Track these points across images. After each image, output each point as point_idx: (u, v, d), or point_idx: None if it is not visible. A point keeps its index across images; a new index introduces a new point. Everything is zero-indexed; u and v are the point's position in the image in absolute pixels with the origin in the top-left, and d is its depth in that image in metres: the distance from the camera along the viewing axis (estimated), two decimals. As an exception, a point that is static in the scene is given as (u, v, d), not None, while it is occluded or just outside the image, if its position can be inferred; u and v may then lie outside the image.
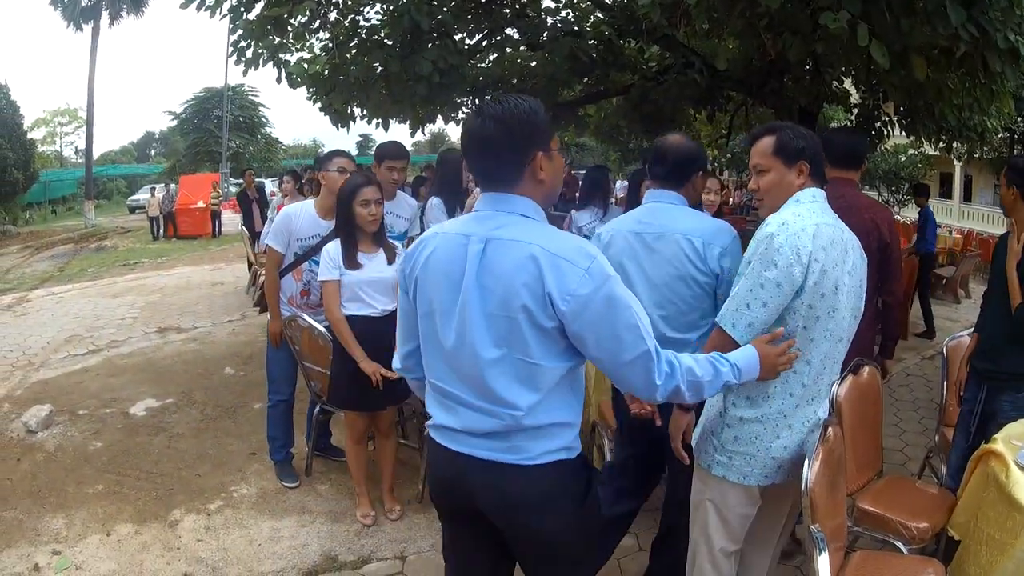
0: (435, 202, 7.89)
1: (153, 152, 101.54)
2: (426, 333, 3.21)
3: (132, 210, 51.73)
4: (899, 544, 4.57)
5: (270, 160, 64.71)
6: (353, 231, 5.92)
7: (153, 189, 38.89)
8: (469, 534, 3.39)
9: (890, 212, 5.97)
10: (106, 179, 67.67)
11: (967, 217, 39.77)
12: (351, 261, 5.93)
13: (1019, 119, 22.96)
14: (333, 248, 5.98)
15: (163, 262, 24.53)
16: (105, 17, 46.03)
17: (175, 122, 70.32)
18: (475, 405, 3.06)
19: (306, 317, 6.43)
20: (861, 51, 6.89)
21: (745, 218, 20.94)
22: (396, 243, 6.29)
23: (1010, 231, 5.23)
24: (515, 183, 3.00)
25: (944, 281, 17.24)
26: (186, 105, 67.26)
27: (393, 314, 5.80)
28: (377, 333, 5.76)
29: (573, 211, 9.67)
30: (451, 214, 7.55)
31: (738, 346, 3.51)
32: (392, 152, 6.86)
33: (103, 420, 8.66)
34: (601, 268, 2.84)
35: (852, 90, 14.61)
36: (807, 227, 3.56)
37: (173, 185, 40.07)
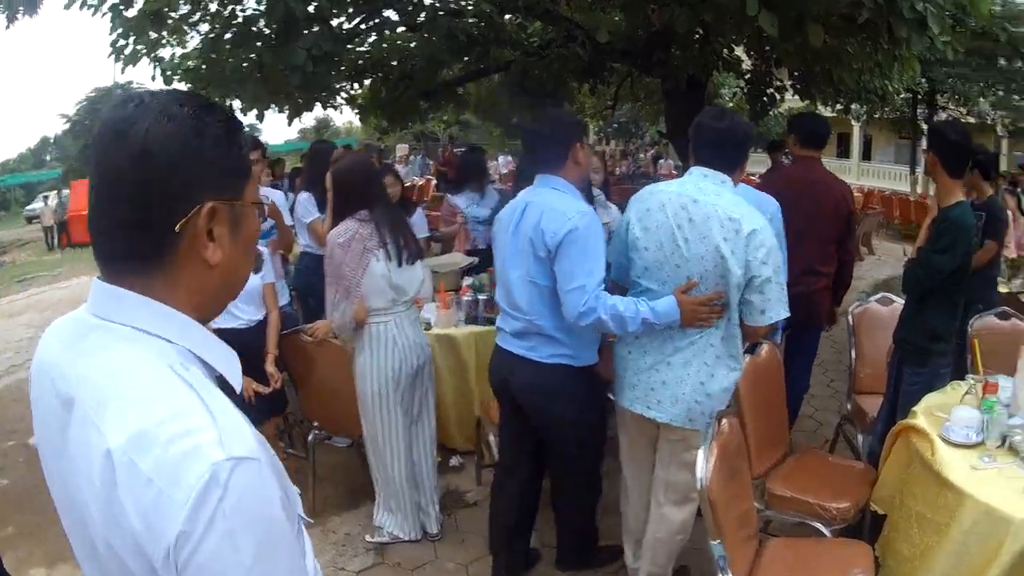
0: (303, 197, 7.37)
1: (49, 157, 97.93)
2: (496, 268, 4.54)
3: (29, 220, 48.13)
4: (819, 526, 4.40)
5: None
6: None
7: (46, 197, 36.80)
8: (509, 409, 4.59)
9: (849, 186, 6.60)
10: (4, 189, 64.49)
11: (867, 175, 40.03)
12: None
13: (922, 80, 22.44)
14: None
15: (59, 274, 23.19)
16: (2, 20, 43.66)
17: (68, 124, 66.27)
18: (509, 312, 4.34)
19: None
20: (752, 20, 6.69)
21: (632, 186, 20.22)
22: (260, 247, 5.54)
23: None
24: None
25: (850, 239, 16.54)
26: (79, 107, 63.41)
27: (261, 324, 5.65)
28: (245, 345, 4.63)
29: (448, 195, 9.24)
30: (323, 208, 6.78)
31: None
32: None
33: (5, 454, 7.77)
34: (579, 221, 3.90)
35: (744, 56, 13.96)
36: (643, 192, 4.21)
37: (66, 191, 37.42)
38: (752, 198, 4.87)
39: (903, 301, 5.72)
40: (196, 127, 1.37)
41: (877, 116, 26.52)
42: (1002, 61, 24.29)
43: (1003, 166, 32.38)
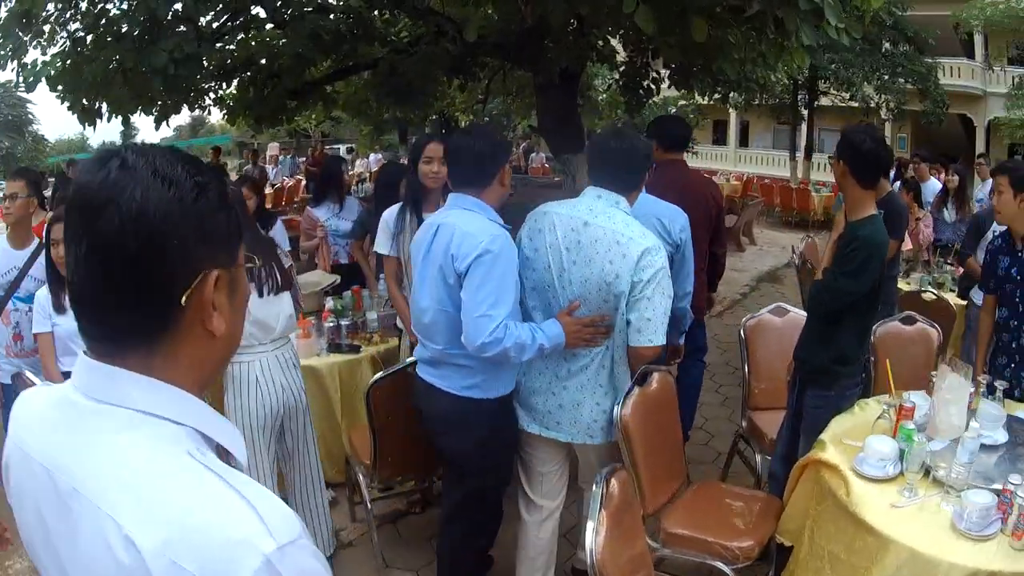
0: None
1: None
2: (411, 293, 4.42)
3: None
4: (720, 564, 4.27)
5: (37, 159, 59.78)
6: (58, 270, 4.82)
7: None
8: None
9: (716, 185, 6.97)
10: None
11: (744, 161, 40.47)
12: (59, 305, 4.97)
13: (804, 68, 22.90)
14: (43, 294, 5.07)
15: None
16: None
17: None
18: (421, 340, 4.30)
19: (30, 375, 4.84)
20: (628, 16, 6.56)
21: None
22: None
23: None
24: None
25: (728, 230, 16.53)
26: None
27: None
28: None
29: (309, 207, 8.85)
30: None
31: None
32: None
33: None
34: (490, 244, 3.81)
35: (619, 47, 13.98)
36: (537, 211, 4.32)
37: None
38: (666, 212, 5.30)
39: (798, 311, 5.88)
40: (195, 190, 1.30)
41: (756, 103, 26.94)
42: (887, 45, 25.01)
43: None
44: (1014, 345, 5.31)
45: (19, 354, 5.61)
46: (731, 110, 33.97)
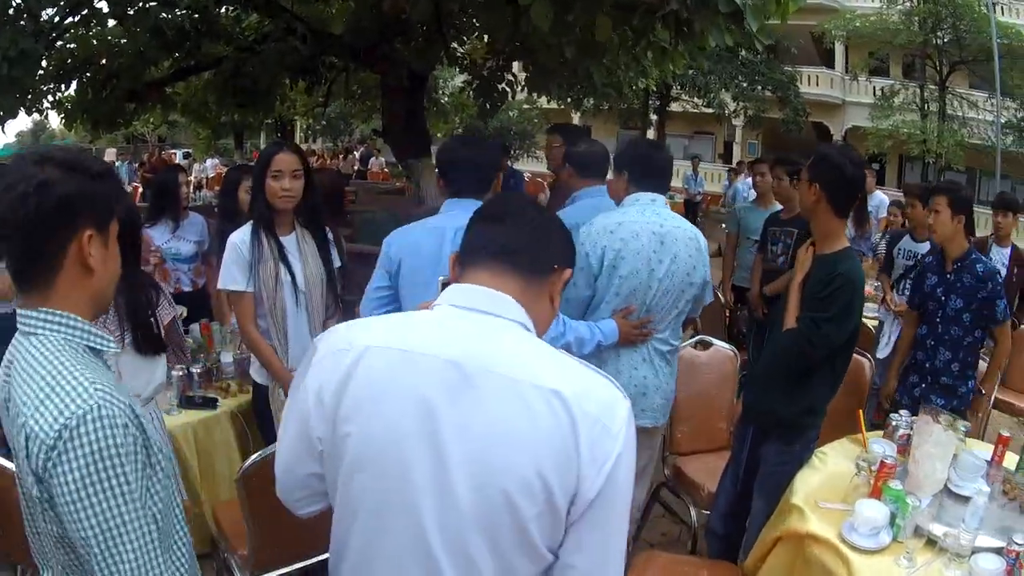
0: None
1: None
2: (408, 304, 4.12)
3: None
4: None
5: None
6: None
7: None
8: None
9: None
10: None
11: None
12: None
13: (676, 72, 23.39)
14: None
15: None
16: None
17: None
18: None
19: None
20: (516, 12, 6.47)
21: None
22: None
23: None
24: None
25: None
26: None
27: None
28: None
29: (145, 228, 7.26)
30: None
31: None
32: None
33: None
34: None
35: (471, 50, 14.03)
36: (607, 223, 4.34)
37: None
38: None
39: (721, 344, 5.65)
40: None
41: (605, 108, 27.33)
42: (743, 52, 25.80)
43: (737, 155, 34.52)
44: (927, 365, 5.35)
45: None
46: (574, 114, 34.47)
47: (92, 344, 1.96)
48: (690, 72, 26.17)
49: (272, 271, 4.57)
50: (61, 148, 1.97)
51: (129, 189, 23.32)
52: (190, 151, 38.68)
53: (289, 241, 4.65)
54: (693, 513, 5.12)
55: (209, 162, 32.21)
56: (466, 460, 1.76)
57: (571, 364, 1.87)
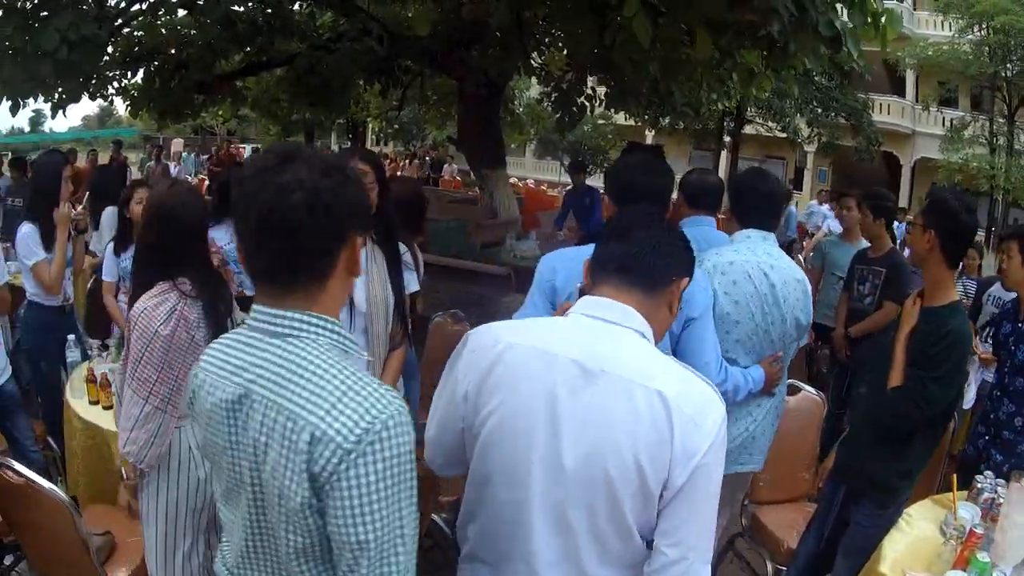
0: (26, 231, 5.45)
1: None
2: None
3: None
4: None
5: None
6: None
7: None
8: None
9: None
10: None
11: None
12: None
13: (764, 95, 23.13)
14: None
15: None
16: None
17: None
18: None
19: None
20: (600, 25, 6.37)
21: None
22: None
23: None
24: None
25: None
26: None
27: None
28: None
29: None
30: (48, 239, 5.44)
31: None
32: None
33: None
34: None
35: (550, 61, 13.42)
36: (718, 263, 4.00)
37: None
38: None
39: (809, 390, 5.30)
40: None
41: (681, 127, 26.77)
42: (818, 78, 25.16)
43: (808, 181, 33.93)
44: (992, 416, 4.84)
45: None
46: (648, 132, 33.82)
47: (346, 348, 1.96)
48: (765, 95, 25.67)
49: (379, 281, 4.06)
50: (318, 153, 1.99)
51: (195, 181, 22.83)
52: (258, 146, 38.29)
53: None
54: (770, 568, 4.81)
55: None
56: (575, 443, 2.06)
57: (676, 369, 2.14)
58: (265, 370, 1.86)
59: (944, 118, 32.34)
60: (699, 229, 4.42)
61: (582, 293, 2.37)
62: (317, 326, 1.88)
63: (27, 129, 58.35)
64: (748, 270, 3.99)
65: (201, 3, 9.91)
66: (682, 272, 2.34)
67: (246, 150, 33.39)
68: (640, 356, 2.14)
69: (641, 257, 2.26)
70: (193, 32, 11.58)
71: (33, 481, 3.38)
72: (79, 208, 5.76)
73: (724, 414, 2.08)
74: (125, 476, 3.55)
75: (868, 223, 6.72)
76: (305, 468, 1.75)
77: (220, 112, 23.38)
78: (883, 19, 6.48)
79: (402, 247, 4.26)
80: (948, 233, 3.76)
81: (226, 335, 2.02)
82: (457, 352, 2.33)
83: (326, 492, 1.75)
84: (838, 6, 6.39)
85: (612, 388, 2.06)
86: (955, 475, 4.04)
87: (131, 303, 3.43)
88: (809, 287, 4.26)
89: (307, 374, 1.82)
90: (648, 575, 2.10)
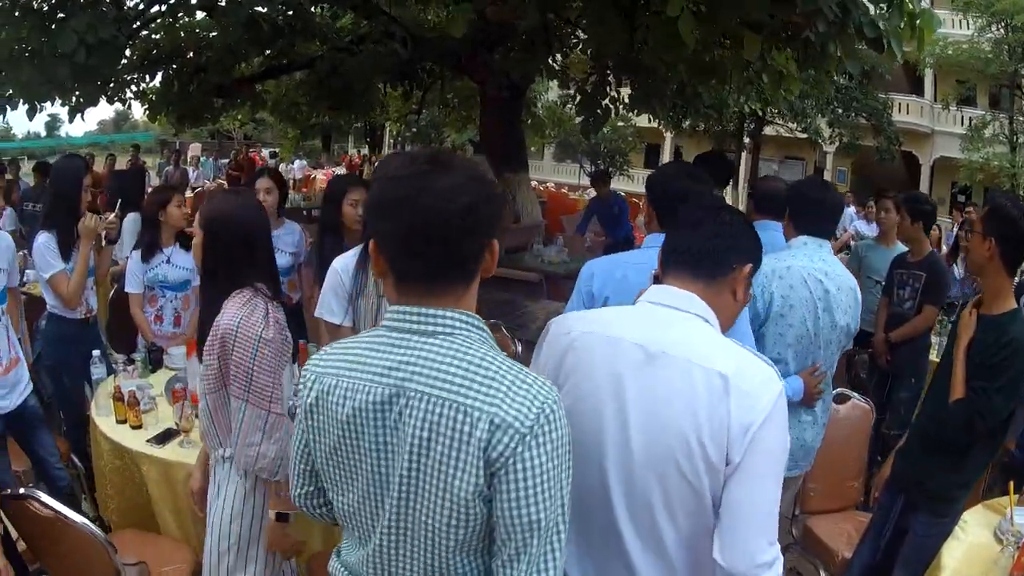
0: (43, 240, 5.08)
1: None
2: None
3: None
4: None
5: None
6: None
7: None
8: None
9: None
10: None
11: None
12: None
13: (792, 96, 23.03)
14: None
15: None
16: None
17: None
18: None
19: None
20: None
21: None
22: None
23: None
24: None
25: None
26: None
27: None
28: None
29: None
30: (66, 248, 5.11)
31: None
32: None
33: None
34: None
35: (571, 64, 13.23)
36: (777, 267, 4.08)
37: None
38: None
39: (859, 398, 5.22)
40: None
41: (701, 129, 26.55)
42: (838, 78, 25.00)
43: (828, 179, 33.74)
44: None
45: None
46: (667, 134, 33.54)
47: (492, 342, 2.05)
48: (794, 97, 25.50)
49: (373, 307, 4.01)
50: (465, 159, 2.07)
51: (213, 186, 22.67)
52: (276, 150, 38.04)
53: None
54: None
55: (296, 163, 31.60)
56: (641, 421, 2.19)
57: (736, 350, 2.23)
58: (420, 367, 1.91)
59: (963, 117, 32.07)
60: (766, 234, 4.24)
61: (656, 281, 2.55)
62: (468, 323, 1.98)
63: (43, 134, 58.58)
64: (804, 276, 4.07)
65: (222, 5, 9.72)
66: (744, 259, 2.45)
67: (267, 154, 33.24)
68: (701, 339, 2.27)
69: (702, 247, 2.41)
70: (212, 35, 11.44)
71: (64, 515, 3.17)
72: (111, 216, 5.46)
73: (782, 392, 2.18)
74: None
75: (906, 226, 6.63)
76: (482, 455, 1.83)
77: (239, 116, 23.24)
78: (919, 20, 6.38)
79: None
80: (1008, 240, 3.69)
81: (353, 338, 2.11)
82: (540, 340, 2.54)
83: (500, 477, 1.84)
84: (875, 7, 6.27)
85: (672, 369, 2.19)
86: (1012, 481, 3.91)
87: (205, 316, 3.26)
88: (860, 295, 4.31)
89: (472, 368, 1.89)
90: (716, 549, 2.18)
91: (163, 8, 9.92)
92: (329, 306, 4.02)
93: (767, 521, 2.17)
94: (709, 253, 2.39)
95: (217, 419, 3.22)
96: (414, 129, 32.91)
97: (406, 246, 1.91)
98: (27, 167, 20.12)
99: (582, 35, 11.06)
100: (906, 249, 6.84)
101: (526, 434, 1.82)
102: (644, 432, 2.18)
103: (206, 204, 3.38)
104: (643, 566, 2.28)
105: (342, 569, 2.19)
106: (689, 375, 2.15)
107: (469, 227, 1.89)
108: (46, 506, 3.17)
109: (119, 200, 5.85)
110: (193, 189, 20.39)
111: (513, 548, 1.88)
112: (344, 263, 4.00)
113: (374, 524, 2.03)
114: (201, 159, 29.20)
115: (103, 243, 5.55)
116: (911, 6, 6.33)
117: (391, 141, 40.16)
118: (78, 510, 3.40)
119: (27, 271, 6.50)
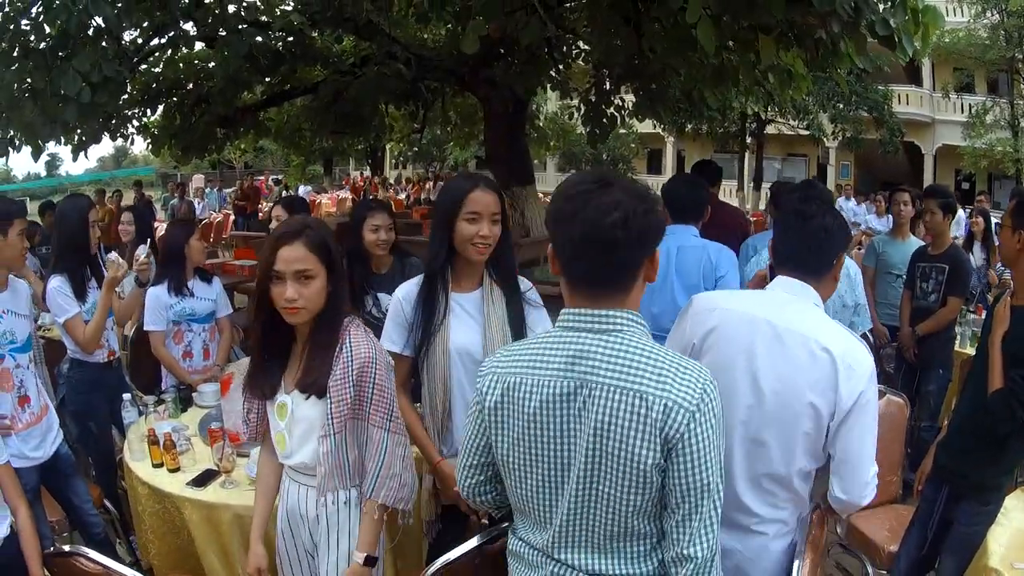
0: (56, 284, 4.86)
1: None
2: None
3: None
4: None
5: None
6: None
7: None
8: None
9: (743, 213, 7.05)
10: None
11: None
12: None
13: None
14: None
15: None
16: None
17: None
18: None
19: None
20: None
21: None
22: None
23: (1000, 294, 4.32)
24: None
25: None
26: None
27: None
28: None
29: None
30: (80, 290, 4.95)
31: None
32: None
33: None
34: None
35: (574, 75, 13.17)
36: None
37: None
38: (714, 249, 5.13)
39: (892, 392, 5.14)
40: None
41: (703, 130, 26.47)
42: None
43: (831, 177, 33.65)
44: None
45: None
46: (668, 138, 33.39)
47: (649, 336, 2.31)
48: (803, 96, 25.46)
49: (449, 338, 3.62)
50: (629, 181, 2.33)
51: (219, 216, 22.51)
52: (280, 178, 37.86)
53: (470, 300, 3.64)
54: (871, 571, 4.75)
55: (302, 189, 31.53)
56: (770, 385, 2.76)
57: (840, 330, 2.83)
58: (599, 361, 2.19)
59: (963, 104, 32.03)
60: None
61: (771, 268, 3.16)
62: (634, 321, 2.24)
63: (43, 173, 58.68)
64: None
65: (222, 36, 9.57)
66: (841, 250, 3.01)
67: (272, 184, 33.09)
68: (815, 320, 2.82)
69: (811, 252, 2.94)
70: (212, 65, 11.35)
71: (112, 569, 3.05)
72: (142, 258, 5.28)
73: (873, 364, 2.79)
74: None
75: (938, 221, 6.58)
76: (660, 433, 2.11)
77: (242, 145, 23.10)
78: (924, 17, 6.30)
79: (526, 283, 3.81)
80: None
81: (524, 340, 2.54)
82: (683, 313, 3.06)
83: (676, 450, 2.13)
84: (883, 5, 6.16)
85: (795, 343, 2.74)
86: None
87: (319, 354, 3.08)
88: (861, 274, 5.12)
89: (643, 359, 2.17)
90: (836, 487, 2.87)
91: (163, 41, 9.76)
92: (390, 336, 3.77)
93: (871, 453, 2.85)
94: (812, 256, 2.94)
95: (350, 456, 3.14)
96: (415, 148, 32.85)
97: (572, 253, 2.20)
98: (31, 208, 20.05)
99: (583, 45, 11.03)
100: (922, 243, 6.86)
101: (694, 411, 2.11)
102: (773, 393, 2.75)
103: (335, 241, 3.19)
104: (751, 501, 2.88)
105: (522, 544, 2.47)
106: (807, 348, 2.72)
107: (622, 237, 2.13)
108: (94, 562, 3.06)
109: (148, 239, 5.73)
110: (200, 221, 20.25)
111: (687, 508, 2.16)
112: (406, 292, 3.74)
113: (554, 503, 2.31)
114: (206, 190, 29.07)
115: (136, 285, 5.41)
116: (915, 1, 6.27)
117: (392, 161, 40.10)
118: (114, 556, 3.35)
119: (43, 314, 6.40)
